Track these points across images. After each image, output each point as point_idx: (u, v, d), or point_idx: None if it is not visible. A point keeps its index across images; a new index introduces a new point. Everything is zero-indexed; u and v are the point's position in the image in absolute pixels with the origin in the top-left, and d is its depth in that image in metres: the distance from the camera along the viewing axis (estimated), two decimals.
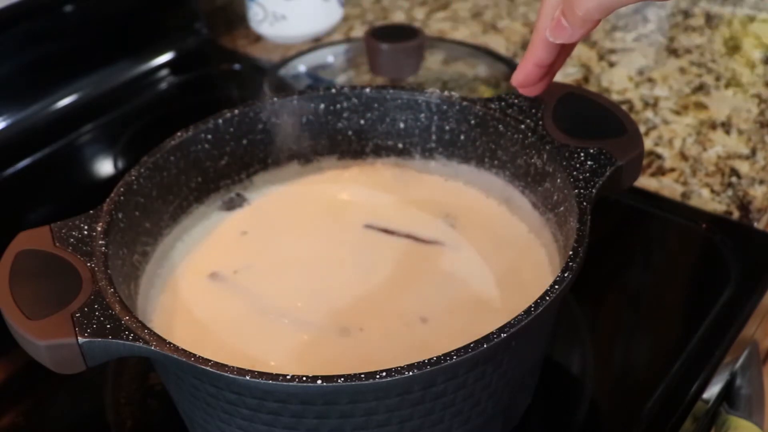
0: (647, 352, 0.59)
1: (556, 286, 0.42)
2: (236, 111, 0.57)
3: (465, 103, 0.57)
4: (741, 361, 0.60)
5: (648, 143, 0.76)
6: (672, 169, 0.73)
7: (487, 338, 0.40)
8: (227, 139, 0.57)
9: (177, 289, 0.53)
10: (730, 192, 0.70)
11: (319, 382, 0.39)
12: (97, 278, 0.44)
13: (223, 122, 0.57)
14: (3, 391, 0.59)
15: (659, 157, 0.74)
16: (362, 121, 0.60)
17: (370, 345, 0.49)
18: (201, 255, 0.56)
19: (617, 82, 0.85)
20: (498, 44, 0.92)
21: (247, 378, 0.39)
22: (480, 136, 0.57)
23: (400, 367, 0.39)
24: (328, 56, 0.88)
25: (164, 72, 0.91)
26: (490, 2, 1.01)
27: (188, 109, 0.86)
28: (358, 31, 0.96)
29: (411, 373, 0.39)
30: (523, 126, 0.54)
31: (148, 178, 0.53)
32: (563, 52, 0.48)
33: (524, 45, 0.92)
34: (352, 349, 0.49)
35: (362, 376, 0.39)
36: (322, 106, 0.59)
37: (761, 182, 0.71)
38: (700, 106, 0.81)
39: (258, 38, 0.96)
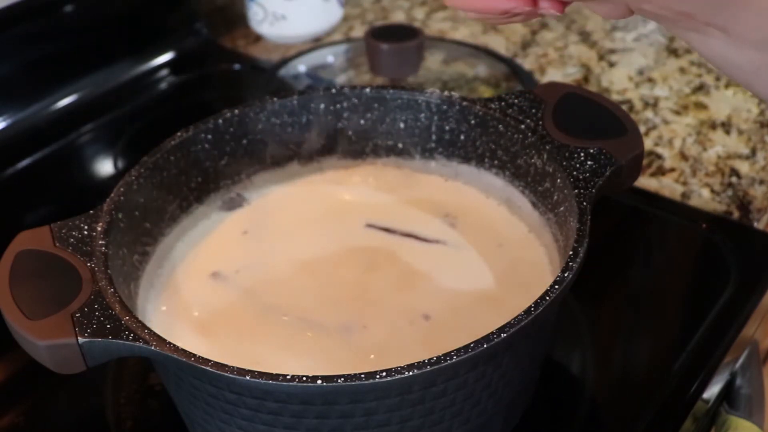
0: (647, 352, 0.59)
1: (556, 286, 0.42)
2: (236, 111, 0.57)
3: (465, 103, 0.57)
4: (741, 361, 0.60)
5: (648, 143, 0.76)
6: (672, 169, 0.73)
7: (487, 338, 0.40)
8: (227, 139, 0.57)
9: (177, 289, 0.53)
10: (730, 192, 0.70)
11: (319, 382, 0.39)
12: (97, 278, 0.44)
13: (223, 122, 0.57)
14: (3, 391, 0.59)
15: (659, 157, 0.74)
16: (362, 121, 0.60)
17: (373, 342, 0.49)
18: (202, 255, 0.56)
19: (617, 82, 0.85)
20: (498, 44, 0.92)
21: (247, 378, 0.39)
22: (480, 136, 0.57)
23: (400, 367, 0.39)
24: (328, 56, 0.88)
25: (164, 72, 0.91)
26: None
27: (188, 109, 0.86)
28: (358, 31, 0.96)
29: (411, 373, 0.39)
30: (523, 126, 0.54)
31: (148, 178, 0.53)
32: None
33: (524, 45, 0.92)
34: (356, 346, 0.49)
35: (362, 376, 0.39)
36: (322, 106, 0.59)
37: (761, 182, 0.71)
38: (700, 106, 0.81)
39: (258, 38, 0.96)
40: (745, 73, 0.36)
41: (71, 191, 0.78)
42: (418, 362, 0.39)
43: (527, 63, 0.88)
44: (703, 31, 0.35)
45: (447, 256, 0.55)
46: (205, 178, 0.57)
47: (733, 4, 0.33)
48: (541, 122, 0.53)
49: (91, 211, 0.49)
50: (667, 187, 0.71)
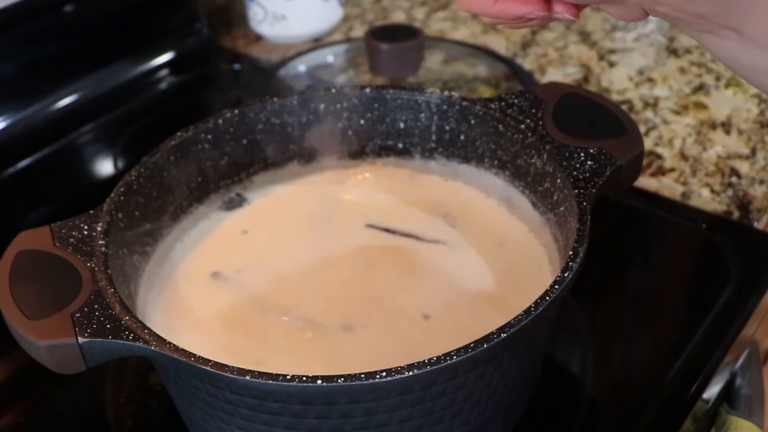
0: (647, 352, 0.59)
1: (556, 286, 0.42)
2: (236, 111, 0.57)
3: (465, 103, 0.57)
4: (741, 361, 0.60)
5: (648, 143, 0.76)
6: (672, 169, 0.73)
7: (487, 338, 0.40)
8: (227, 139, 0.57)
9: (178, 289, 0.53)
10: (730, 192, 0.70)
11: (319, 382, 0.39)
12: (97, 278, 0.44)
13: (223, 122, 0.57)
14: (3, 391, 0.59)
15: (659, 157, 0.74)
16: (362, 121, 0.60)
17: (373, 341, 0.49)
18: (202, 254, 0.56)
19: (617, 82, 0.85)
20: (498, 44, 0.92)
21: (247, 378, 0.39)
22: (480, 136, 0.57)
23: (400, 367, 0.39)
24: (328, 56, 0.88)
25: (164, 72, 0.91)
26: None
27: (188, 109, 0.86)
28: (358, 31, 0.96)
29: (411, 373, 0.39)
30: (523, 126, 0.54)
31: (148, 178, 0.53)
32: None
33: (524, 45, 0.92)
34: (356, 345, 0.49)
35: (362, 376, 0.39)
36: (322, 106, 0.59)
37: (761, 182, 0.71)
38: (700, 106, 0.81)
39: (258, 38, 0.96)
40: (759, 75, 0.36)
41: (71, 191, 0.78)
42: (418, 362, 0.39)
43: (527, 63, 0.88)
44: (717, 33, 0.35)
45: (447, 257, 0.55)
46: (205, 178, 0.57)
47: (745, 6, 0.34)
48: (541, 122, 0.53)
49: (91, 211, 0.49)
50: (667, 187, 0.71)
